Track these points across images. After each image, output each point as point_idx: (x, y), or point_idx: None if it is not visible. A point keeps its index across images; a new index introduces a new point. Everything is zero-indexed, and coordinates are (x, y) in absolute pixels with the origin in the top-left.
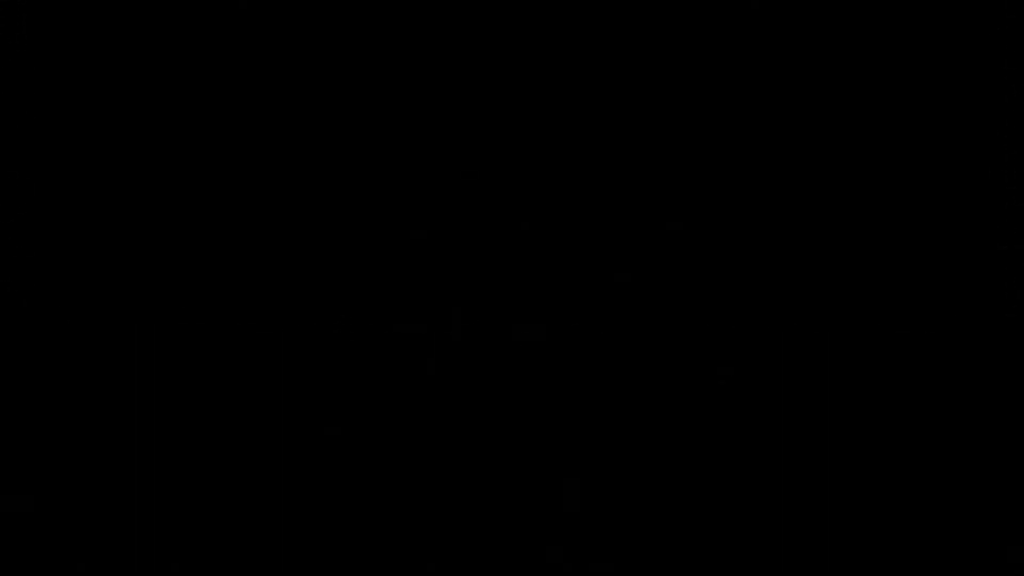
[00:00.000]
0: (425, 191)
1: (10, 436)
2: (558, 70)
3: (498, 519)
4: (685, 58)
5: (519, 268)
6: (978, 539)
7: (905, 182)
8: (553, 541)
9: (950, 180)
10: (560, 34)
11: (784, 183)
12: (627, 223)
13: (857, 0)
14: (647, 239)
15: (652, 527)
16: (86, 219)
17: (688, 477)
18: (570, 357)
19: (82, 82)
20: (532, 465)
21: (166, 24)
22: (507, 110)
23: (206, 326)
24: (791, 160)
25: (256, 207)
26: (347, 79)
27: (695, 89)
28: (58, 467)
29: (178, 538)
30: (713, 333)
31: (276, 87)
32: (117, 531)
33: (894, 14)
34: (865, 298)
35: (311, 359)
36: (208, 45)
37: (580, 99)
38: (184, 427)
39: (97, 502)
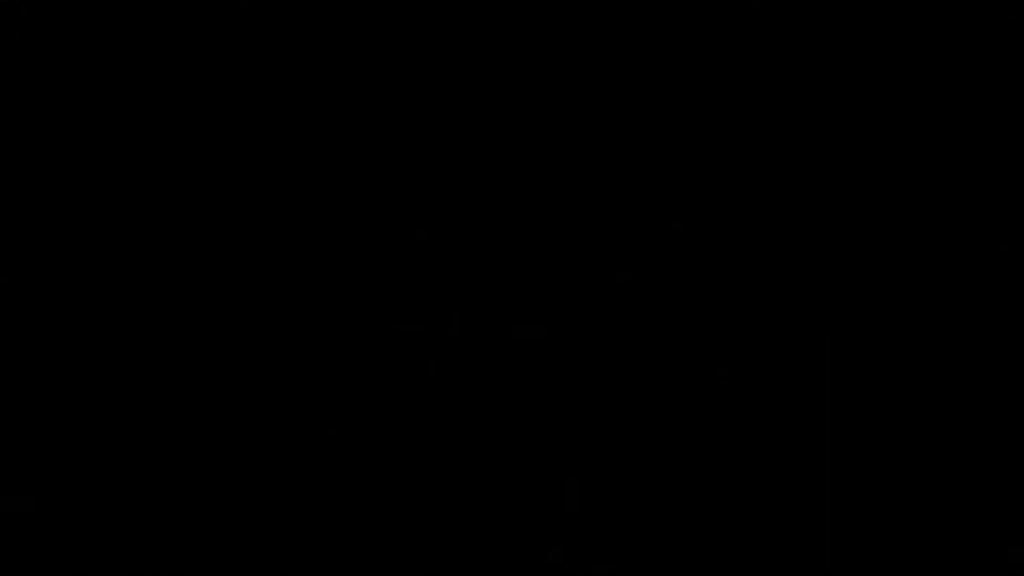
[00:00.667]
0: (425, 191)
1: (10, 436)
2: (558, 70)
3: (498, 519)
4: (685, 58)
5: (519, 268)
6: (978, 539)
7: (905, 182)
8: (553, 541)
9: (950, 180)
10: (560, 34)
11: (784, 183)
12: (627, 223)
13: (857, 0)
14: (647, 239)
15: (652, 527)
16: (86, 219)
17: (688, 477)
18: (570, 357)
19: (82, 82)
20: (532, 465)
21: (166, 24)
22: (507, 110)
23: (206, 326)
24: (791, 160)
25: (256, 207)
26: (347, 79)
27: (695, 89)
28: (58, 467)
29: (178, 538)
30: (713, 333)
31: (276, 87)
32: (117, 531)
33: (894, 14)
34: (865, 298)
35: (311, 359)
36: (208, 45)
37: (580, 99)
38: (184, 427)
39: (97, 502)
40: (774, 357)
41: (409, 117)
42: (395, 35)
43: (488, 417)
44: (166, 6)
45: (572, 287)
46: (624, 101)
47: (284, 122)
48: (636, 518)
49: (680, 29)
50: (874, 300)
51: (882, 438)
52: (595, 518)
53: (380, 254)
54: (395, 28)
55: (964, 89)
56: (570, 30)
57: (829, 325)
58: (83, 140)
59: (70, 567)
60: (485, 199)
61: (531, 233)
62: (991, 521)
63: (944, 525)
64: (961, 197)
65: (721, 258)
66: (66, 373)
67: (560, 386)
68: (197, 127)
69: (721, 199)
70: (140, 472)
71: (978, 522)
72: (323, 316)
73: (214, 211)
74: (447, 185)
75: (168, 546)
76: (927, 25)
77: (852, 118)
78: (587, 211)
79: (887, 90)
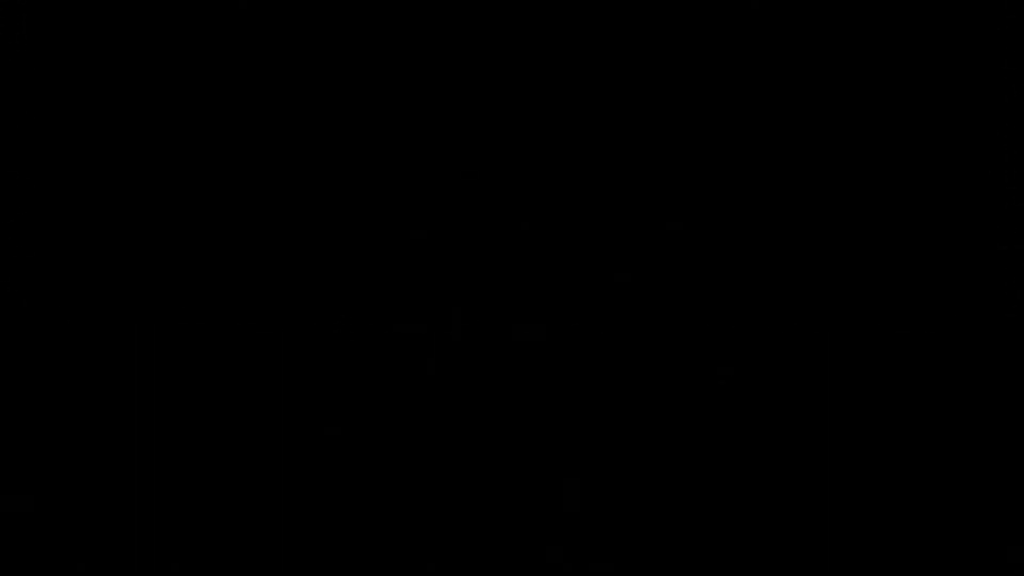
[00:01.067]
0: (425, 191)
1: (10, 436)
2: (558, 70)
3: (498, 519)
4: (685, 58)
5: (519, 268)
6: (978, 539)
7: (905, 182)
8: (553, 541)
9: (950, 180)
10: (560, 34)
11: (784, 183)
12: (627, 223)
13: (857, 0)
14: (647, 239)
15: (652, 527)
16: (86, 219)
17: (688, 477)
18: (570, 357)
19: (82, 82)
20: (532, 465)
21: (166, 24)
22: (507, 110)
23: (206, 326)
24: (791, 160)
25: (256, 207)
26: (347, 79)
27: (694, 89)
28: (58, 467)
29: (178, 538)
30: (713, 333)
31: (276, 87)
32: (117, 531)
33: (894, 14)
34: (865, 298)
35: (311, 359)
36: (208, 45)
37: (580, 99)
38: (184, 427)
39: (97, 502)
40: (774, 357)
41: (409, 117)
42: (395, 35)
43: (488, 417)
44: (166, 6)
45: (572, 287)
46: (624, 102)
47: (284, 122)
48: (636, 518)
49: (680, 29)
50: (874, 300)
51: (882, 438)
52: (595, 518)
53: (380, 254)
54: (394, 28)
55: (964, 89)
56: (570, 30)
57: (829, 325)
58: (83, 140)
59: (70, 567)
60: (485, 199)
61: (531, 233)
62: (991, 521)
63: (944, 525)
64: (961, 197)
65: (721, 258)
66: (66, 373)
67: (560, 386)
68: (197, 127)
69: (721, 199)
70: (140, 472)
71: (978, 522)
72: (323, 316)
73: (214, 211)
74: (447, 185)
75: (168, 546)
76: (927, 25)
77: (851, 118)
78: (587, 211)
79: (887, 90)
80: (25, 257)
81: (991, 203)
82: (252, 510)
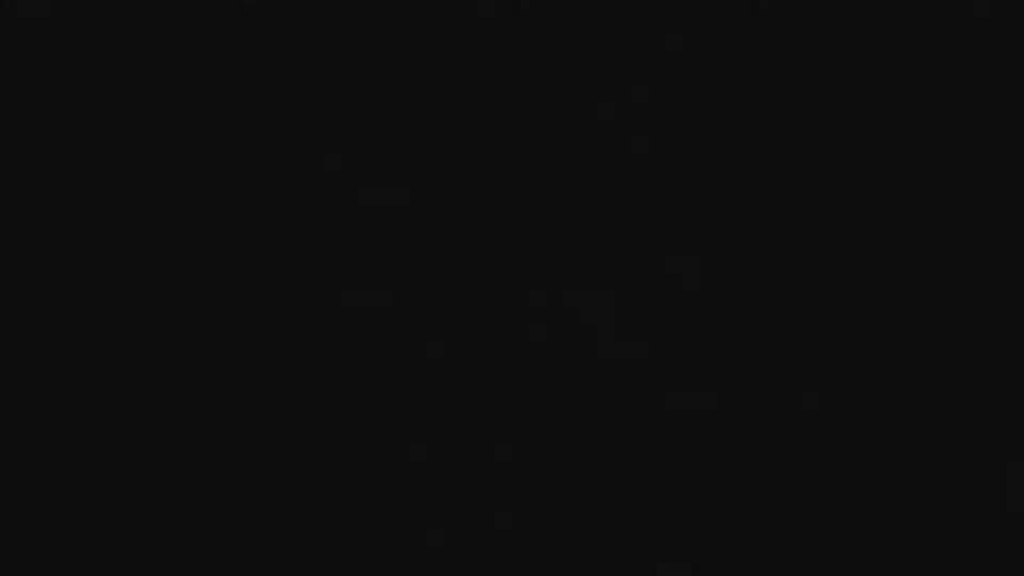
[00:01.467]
0: (424, 190)
1: (10, 436)
2: (557, 70)
3: (498, 519)
4: (684, 58)
5: (519, 267)
6: (978, 539)
7: (905, 182)
8: (553, 541)
9: (951, 180)
10: (559, 34)
11: (784, 183)
12: (627, 223)
13: (858, 0)
14: (647, 239)
15: (652, 527)
16: (86, 219)
17: (688, 477)
18: (570, 356)
19: (82, 82)
20: (531, 465)
21: (166, 24)
22: (506, 110)
23: (205, 325)
24: (791, 160)
25: (255, 207)
26: (346, 79)
27: (695, 89)
28: (58, 467)
29: (178, 538)
30: (715, 333)
31: (276, 87)
32: (117, 531)
33: (895, 14)
34: (865, 298)
35: (310, 357)
36: (208, 45)
37: (579, 99)
38: (184, 427)
39: (97, 502)
40: (774, 356)
41: (408, 117)
42: (394, 35)
43: (488, 417)
44: (166, 6)
45: (572, 287)
46: (623, 101)
47: (283, 122)
48: (635, 518)
49: (679, 29)
50: (874, 300)
51: (882, 438)
52: (595, 518)
53: (377, 252)
54: (394, 28)
55: (964, 89)
56: (569, 30)
57: (829, 325)
58: (83, 140)
59: (70, 567)
60: (484, 199)
61: (531, 233)
62: (991, 521)
63: (944, 525)
64: (962, 197)
65: (721, 258)
66: (66, 373)
67: (561, 386)
68: (196, 127)
69: (721, 199)
70: (140, 472)
71: (978, 522)
72: (322, 314)
73: (213, 211)
74: (447, 185)
75: (168, 546)
76: (927, 25)
77: (852, 118)
78: (587, 211)
79: (887, 90)
80: (25, 257)
81: (991, 203)
82: (252, 510)
